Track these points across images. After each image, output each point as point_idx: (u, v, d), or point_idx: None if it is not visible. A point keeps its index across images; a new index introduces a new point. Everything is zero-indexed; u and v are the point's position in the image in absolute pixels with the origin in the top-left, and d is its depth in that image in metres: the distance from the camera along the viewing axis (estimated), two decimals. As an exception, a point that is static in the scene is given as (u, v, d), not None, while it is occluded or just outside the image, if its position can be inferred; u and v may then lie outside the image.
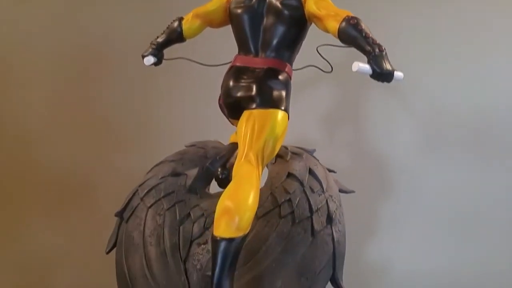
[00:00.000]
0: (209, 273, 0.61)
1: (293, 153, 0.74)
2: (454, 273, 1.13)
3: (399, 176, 1.19)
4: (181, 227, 0.66)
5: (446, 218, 1.15)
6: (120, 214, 0.70)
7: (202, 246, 0.64)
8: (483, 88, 1.10)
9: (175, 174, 0.72)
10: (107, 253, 0.70)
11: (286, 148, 0.75)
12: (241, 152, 0.59)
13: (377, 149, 1.20)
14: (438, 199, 1.15)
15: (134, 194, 0.72)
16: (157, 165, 0.76)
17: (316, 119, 1.15)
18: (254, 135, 0.59)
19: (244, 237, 0.52)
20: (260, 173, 0.59)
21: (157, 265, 0.62)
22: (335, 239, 0.62)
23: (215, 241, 0.51)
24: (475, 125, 1.12)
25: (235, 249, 0.50)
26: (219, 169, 0.70)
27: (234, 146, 0.76)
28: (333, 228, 0.63)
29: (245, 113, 0.63)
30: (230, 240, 0.50)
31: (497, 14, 1.08)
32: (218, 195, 0.72)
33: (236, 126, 0.77)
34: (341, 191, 0.71)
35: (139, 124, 1.16)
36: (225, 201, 0.53)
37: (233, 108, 0.67)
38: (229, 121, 0.77)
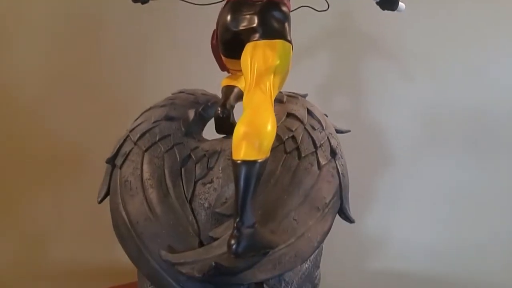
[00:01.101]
0: (219, 209, 0.60)
1: (289, 96, 0.74)
2: (452, 243, 1.16)
3: (397, 147, 1.19)
4: (182, 169, 0.63)
5: (445, 188, 1.17)
6: (111, 161, 0.65)
7: (208, 185, 0.62)
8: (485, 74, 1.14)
9: (169, 118, 0.69)
10: (100, 202, 0.65)
11: (280, 92, 0.74)
12: (249, 82, 0.57)
13: (376, 119, 1.19)
14: (436, 170, 1.17)
15: (125, 140, 0.67)
16: (146, 111, 0.72)
17: (311, 86, 1.14)
18: (262, 64, 0.57)
19: (265, 161, 0.50)
20: (273, 103, 0.57)
21: (160, 207, 0.59)
22: (340, 172, 0.63)
23: (237, 165, 0.49)
24: (476, 101, 1.14)
25: (257, 172, 0.49)
26: (219, 109, 0.67)
27: (230, 88, 0.73)
28: (336, 162, 0.64)
29: (249, 45, 0.60)
30: (252, 163, 0.48)
31: (501, 8, 1.11)
32: (218, 139, 0.70)
33: (230, 70, 0.75)
34: (337, 131, 0.72)
35: (134, 86, 1.13)
36: (242, 128, 0.51)
37: (231, 44, 0.64)
38: (220, 65, 0.75)
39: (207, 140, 0.69)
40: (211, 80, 0.78)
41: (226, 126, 0.69)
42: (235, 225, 0.48)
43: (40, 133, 1.18)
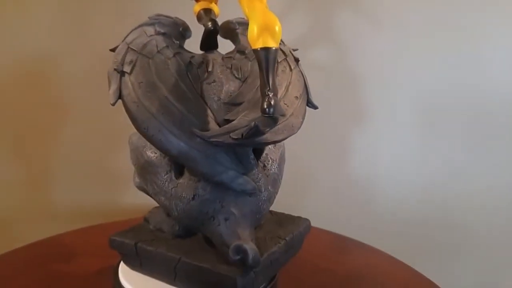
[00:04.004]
0: (227, 100, 0.74)
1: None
2: (433, 189, 1.26)
3: (378, 98, 1.23)
4: (188, 73, 0.74)
5: (427, 133, 1.23)
6: (119, 69, 0.72)
7: (212, 84, 0.76)
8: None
9: (161, 33, 0.78)
10: (113, 104, 0.70)
11: (241, 18, 0.89)
12: None
13: (354, 73, 1.23)
14: (418, 118, 1.23)
15: (126, 52, 0.74)
16: (135, 28, 0.79)
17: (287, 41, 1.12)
18: None
19: (278, 49, 0.67)
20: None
21: (180, 101, 0.69)
22: (303, 74, 0.83)
23: (258, 52, 0.63)
24: (467, 57, 1.20)
25: (274, 56, 0.64)
26: (209, 23, 0.79)
27: (207, 10, 0.85)
28: (299, 67, 0.84)
29: None
30: (270, 48, 0.64)
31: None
32: (205, 53, 0.83)
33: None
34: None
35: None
36: (256, 27, 0.64)
37: None
38: None
39: (196, 53, 0.81)
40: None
41: (213, 41, 0.82)
42: (266, 93, 0.63)
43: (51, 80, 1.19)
